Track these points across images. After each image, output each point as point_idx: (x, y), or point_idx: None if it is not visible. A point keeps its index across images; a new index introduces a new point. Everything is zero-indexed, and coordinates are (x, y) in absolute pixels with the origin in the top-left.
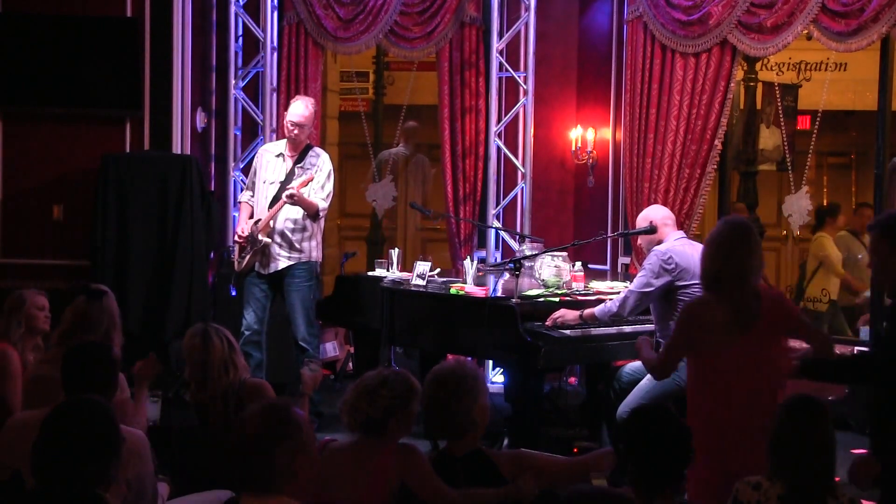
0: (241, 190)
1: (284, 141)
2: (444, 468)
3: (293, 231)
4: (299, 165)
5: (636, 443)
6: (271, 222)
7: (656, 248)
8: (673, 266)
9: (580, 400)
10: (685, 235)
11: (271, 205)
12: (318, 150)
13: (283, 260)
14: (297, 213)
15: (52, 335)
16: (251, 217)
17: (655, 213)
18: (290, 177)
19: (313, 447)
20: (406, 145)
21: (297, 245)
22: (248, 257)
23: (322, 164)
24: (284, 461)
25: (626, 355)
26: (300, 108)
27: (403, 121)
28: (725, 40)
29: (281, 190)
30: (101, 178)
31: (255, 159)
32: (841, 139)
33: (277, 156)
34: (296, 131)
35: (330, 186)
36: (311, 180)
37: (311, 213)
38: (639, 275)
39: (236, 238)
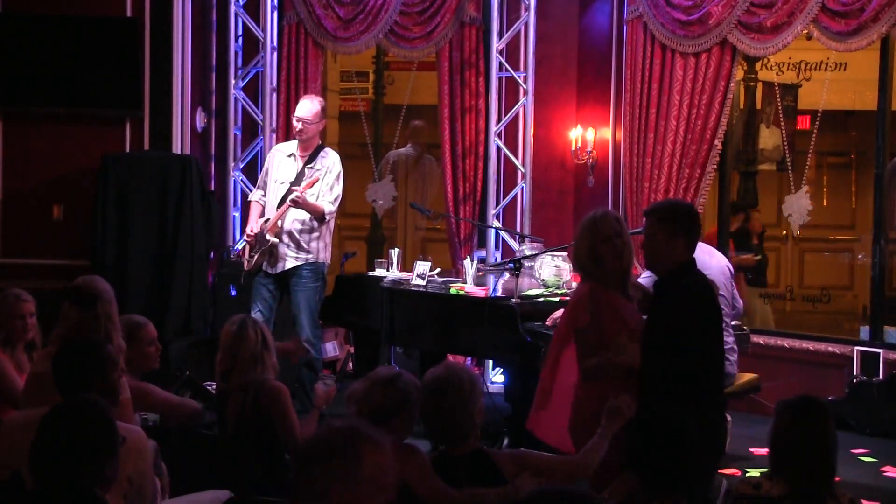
0: (243, 189)
1: (296, 141)
2: (445, 468)
3: (301, 231)
4: (309, 166)
5: (639, 446)
6: (279, 222)
7: None
8: None
9: None
10: None
11: (279, 205)
12: (328, 150)
13: (290, 260)
14: (305, 213)
15: (50, 336)
16: (261, 216)
17: None
18: (299, 178)
19: (369, 490)
20: (414, 146)
21: (305, 245)
22: (256, 257)
23: (332, 165)
24: (320, 482)
25: None
26: (306, 104)
27: (404, 121)
28: (725, 40)
29: (289, 191)
30: (101, 178)
31: (268, 158)
32: (841, 139)
33: (289, 156)
34: (300, 126)
35: (339, 189)
36: (317, 181)
37: (317, 216)
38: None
39: (245, 237)
